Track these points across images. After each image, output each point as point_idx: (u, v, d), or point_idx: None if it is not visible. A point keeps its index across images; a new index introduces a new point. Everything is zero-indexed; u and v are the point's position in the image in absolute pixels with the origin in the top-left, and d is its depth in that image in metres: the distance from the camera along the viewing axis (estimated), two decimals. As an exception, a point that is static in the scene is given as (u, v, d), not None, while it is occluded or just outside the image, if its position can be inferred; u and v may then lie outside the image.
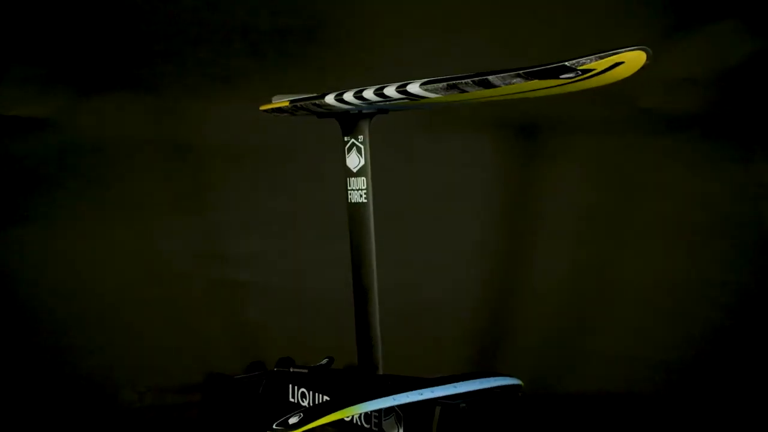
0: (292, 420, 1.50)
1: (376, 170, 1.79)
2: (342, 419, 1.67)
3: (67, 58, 2.32)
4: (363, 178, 1.77)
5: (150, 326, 2.35)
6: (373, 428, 1.66)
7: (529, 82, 1.45)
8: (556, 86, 1.53)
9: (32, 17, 2.30)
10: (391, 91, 1.54)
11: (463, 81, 1.45)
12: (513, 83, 1.44)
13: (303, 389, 1.83)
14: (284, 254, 2.42)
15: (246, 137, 2.40)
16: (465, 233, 2.44)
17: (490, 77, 1.43)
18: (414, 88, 1.50)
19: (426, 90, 1.50)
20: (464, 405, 1.52)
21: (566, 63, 1.38)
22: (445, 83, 1.47)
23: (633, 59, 1.38)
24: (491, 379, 1.66)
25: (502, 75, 1.42)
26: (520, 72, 1.41)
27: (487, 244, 2.44)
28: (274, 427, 1.51)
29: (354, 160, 1.78)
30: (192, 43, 2.34)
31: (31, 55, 2.30)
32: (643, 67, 1.46)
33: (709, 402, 2.24)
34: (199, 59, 2.35)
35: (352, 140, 1.77)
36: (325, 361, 1.94)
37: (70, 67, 2.32)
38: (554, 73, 1.42)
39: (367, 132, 1.75)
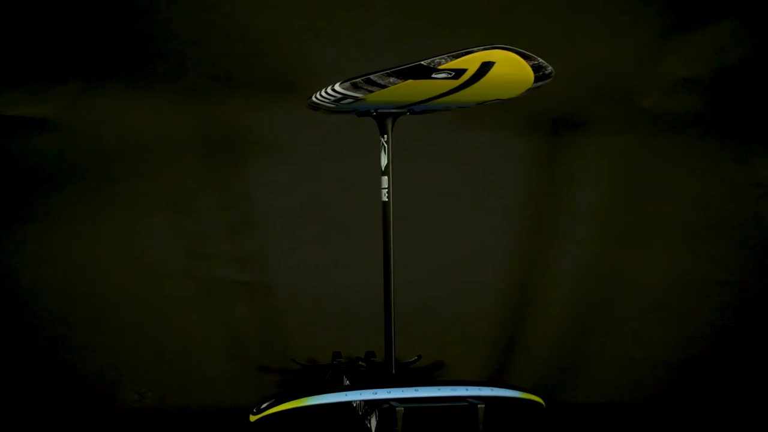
0: (263, 405, 1.72)
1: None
2: (353, 407, 1.89)
3: (66, 58, 2.32)
4: (386, 177, 1.86)
5: (150, 326, 2.35)
6: (366, 419, 1.79)
7: (407, 82, 1.54)
8: (460, 89, 1.63)
9: (33, 18, 2.30)
10: (330, 89, 1.69)
11: (359, 80, 1.58)
12: (392, 82, 1.55)
13: (348, 380, 2.01)
14: (285, 254, 2.42)
15: (248, 137, 2.40)
16: (469, 235, 2.44)
17: (372, 76, 1.55)
18: (337, 86, 1.65)
19: (344, 89, 1.65)
20: (401, 408, 1.62)
21: (422, 62, 1.44)
22: (349, 82, 1.61)
23: (504, 60, 1.45)
24: (485, 388, 1.70)
25: (379, 74, 1.54)
26: (389, 71, 1.51)
27: (489, 245, 2.44)
28: (254, 410, 1.73)
29: (382, 160, 1.87)
30: (191, 44, 2.35)
31: (32, 56, 2.31)
32: (545, 73, 1.55)
33: (709, 402, 2.24)
34: (198, 59, 2.35)
35: (382, 140, 1.86)
36: (414, 358, 2.10)
37: (70, 68, 2.32)
38: (420, 73, 1.49)
39: (389, 132, 1.85)
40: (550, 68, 1.57)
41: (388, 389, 1.67)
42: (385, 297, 1.86)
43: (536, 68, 1.54)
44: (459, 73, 1.49)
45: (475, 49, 1.40)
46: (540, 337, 2.38)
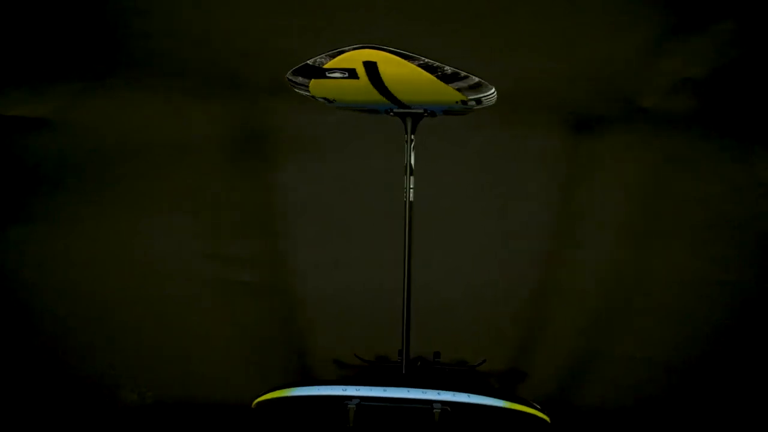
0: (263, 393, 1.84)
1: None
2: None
3: (66, 58, 2.32)
4: (405, 177, 1.89)
5: (150, 326, 2.35)
6: None
7: (312, 81, 1.64)
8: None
9: (33, 18, 2.30)
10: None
11: (285, 79, 1.70)
12: (300, 81, 1.65)
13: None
14: (286, 254, 2.42)
15: (248, 137, 2.40)
16: (472, 236, 2.43)
17: (288, 76, 1.66)
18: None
19: (291, 84, 1.76)
20: (353, 406, 1.68)
21: (308, 62, 1.52)
22: (287, 82, 1.73)
23: (384, 60, 1.50)
24: (460, 394, 1.70)
25: (290, 73, 1.64)
26: (294, 70, 1.60)
27: (489, 246, 2.44)
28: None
29: (405, 159, 1.90)
30: (192, 44, 2.35)
31: (32, 56, 2.31)
32: (445, 73, 1.56)
33: (709, 402, 2.24)
34: (198, 59, 2.36)
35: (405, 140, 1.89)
36: (480, 361, 2.16)
37: (70, 68, 2.33)
38: (314, 72, 1.57)
39: (408, 132, 1.88)
40: (449, 69, 1.58)
41: (357, 387, 1.70)
42: (404, 297, 1.86)
43: (429, 68, 1.56)
44: (351, 72, 1.54)
45: (346, 48, 1.45)
46: (539, 341, 2.38)
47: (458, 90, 1.71)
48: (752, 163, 2.35)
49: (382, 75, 1.57)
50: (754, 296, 2.32)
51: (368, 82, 1.60)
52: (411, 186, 1.89)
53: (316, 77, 1.59)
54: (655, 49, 2.35)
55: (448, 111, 1.93)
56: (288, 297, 2.40)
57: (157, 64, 2.35)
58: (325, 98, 1.82)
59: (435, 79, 1.62)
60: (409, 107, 1.84)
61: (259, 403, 1.84)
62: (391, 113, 1.88)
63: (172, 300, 2.36)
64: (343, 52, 1.47)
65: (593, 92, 2.39)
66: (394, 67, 1.53)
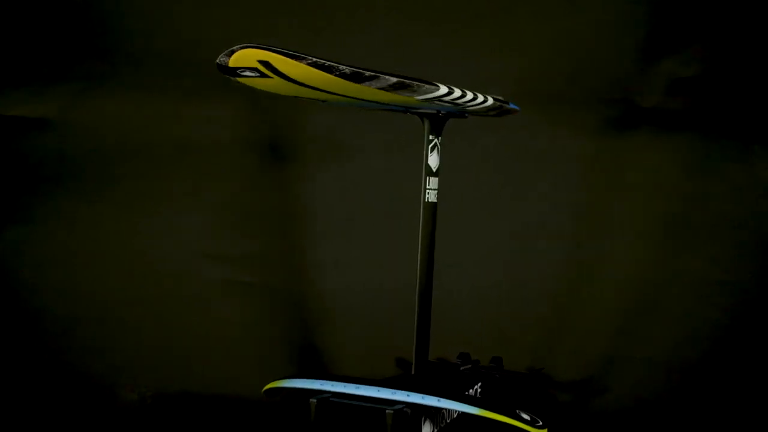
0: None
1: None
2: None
3: (66, 58, 2.32)
4: (422, 177, 1.82)
5: (150, 326, 2.35)
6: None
7: (236, 79, 1.58)
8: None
9: (33, 18, 2.30)
10: None
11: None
12: (232, 80, 1.59)
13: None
14: (285, 253, 2.42)
15: (247, 137, 2.40)
16: (480, 237, 2.43)
17: (226, 75, 1.58)
18: None
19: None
20: (314, 401, 1.66)
21: (217, 61, 1.49)
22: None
23: (276, 60, 1.44)
24: (430, 397, 1.66)
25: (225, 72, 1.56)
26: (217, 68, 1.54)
27: (495, 247, 2.43)
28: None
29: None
30: (192, 44, 2.35)
31: (32, 56, 2.31)
32: (344, 72, 1.49)
33: (709, 402, 2.24)
34: (198, 59, 2.35)
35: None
36: (540, 369, 2.20)
37: (70, 68, 2.33)
38: (227, 71, 1.53)
39: (426, 133, 1.80)
40: (347, 68, 1.49)
41: (333, 382, 1.68)
42: (416, 298, 1.82)
43: (322, 67, 1.47)
44: (260, 72, 1.50)
45: (235, 48, 1.42)
46: (539, 341, 2.38)
47: (382, 89, 1.56)
48: (752, 163, 2.34)
49: (288, 74, 1.50)
50: (754, 296, 2.32)
51: (284, 81, 1.54)
52: (428, 187, 1.82)
53: (234, 76, 1.55)
54: (655, 49, 2.35)
55: (473, 113, 1.83)
56: (290, 296, 2.40)
57: (157, 64, 2.35)
58: (316, 99, 1.76)
59: (339, 78, 1.51)
60: (417, 107, 1.78)
61: (264, 392, 1.82)
62: (408, 113, 1.82)
63: (172, 300, 2.36)
64: (233, 52, 1.43)
65: (593, 93, 2.39)
66: (287, 66, 1.46)
